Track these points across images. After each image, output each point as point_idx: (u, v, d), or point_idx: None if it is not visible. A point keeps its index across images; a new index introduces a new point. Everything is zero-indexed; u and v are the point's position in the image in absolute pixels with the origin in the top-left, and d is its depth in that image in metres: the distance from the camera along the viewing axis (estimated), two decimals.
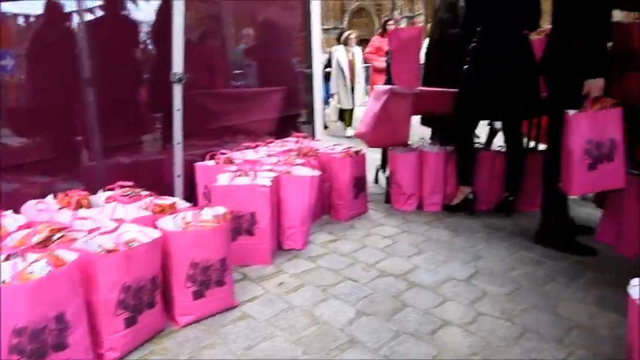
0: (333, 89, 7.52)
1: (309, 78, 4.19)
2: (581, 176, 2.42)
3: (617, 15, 3.36)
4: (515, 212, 3.29)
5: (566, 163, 2.47)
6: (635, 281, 1.46)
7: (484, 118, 3.27)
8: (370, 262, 2.51)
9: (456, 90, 3.19)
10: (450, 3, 3.93)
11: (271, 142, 3.42)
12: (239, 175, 2.54)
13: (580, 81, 2.45)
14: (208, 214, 2.02)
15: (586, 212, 3.32)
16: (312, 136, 3.99)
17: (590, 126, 2.41)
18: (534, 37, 3.39)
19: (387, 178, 3.56)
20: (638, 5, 2.84)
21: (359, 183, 3.19)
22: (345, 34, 7.90)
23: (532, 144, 3.73)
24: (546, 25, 3.01)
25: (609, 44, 2.64)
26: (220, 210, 2.06)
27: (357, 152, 3.21)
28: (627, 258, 2.57)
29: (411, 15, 22.34)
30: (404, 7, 23.34)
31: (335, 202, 3.15)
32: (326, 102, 8.21)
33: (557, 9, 2.58)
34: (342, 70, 7.23)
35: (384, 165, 3.87)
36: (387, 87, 3.45)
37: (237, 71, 4.24)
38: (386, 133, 3.39)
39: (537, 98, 2.97)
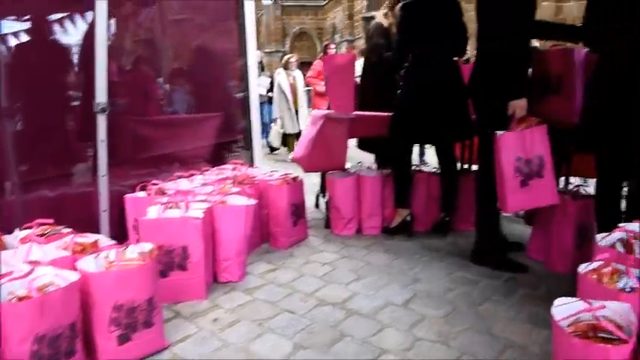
0: (276, 113, 7.47)
1: (245, 103, 4.15)
2: (515, 194, 2.51)
3: (534, 43, 3.56)
4: (452, 232, 3.37)
5: (500, 182, 2.55)
6: (558, 301, 1.49)
7: (418, 142, 3.34)
8: (309, 292, 2.46)
9: (391, 114, 3.25)
10: (384, 29, 4.03)
11: (207, 171, 3.33)
12: (170, 207, 2.45)
13: (505, 102, 2.55)
14: (133, 251, 1.92)
15: (519, 229, 3.44)
16: (251, 162, 3.93)
17: (518, 144, 2.51)
18: (472, 59, 3.52)
19: (327, 203, 3.55)
20: (554, 34, 3.01)
21: (297, 209, 3.15)
22: (285, 57, 7.92)
23: (465, 165, 3.86)
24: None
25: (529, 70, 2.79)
26: (146, 246, 1.96)
27: (294, 179, 3.19)
28: (557, 273, 2.67)
29: (352, 39, 22.86)
30: (344, 30, 23.89)
31: (273, 229, 3.10)
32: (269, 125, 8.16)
33: (480, 34, 2.69)
34: (284, 93, 7.23)
35: (323, 190, 3.87)
36: (323, 112, 3.47)
37: (172, 97, 4.14)
38: (322, 157, 3.39)
39: (468, 121, 3.08)
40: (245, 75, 4.16)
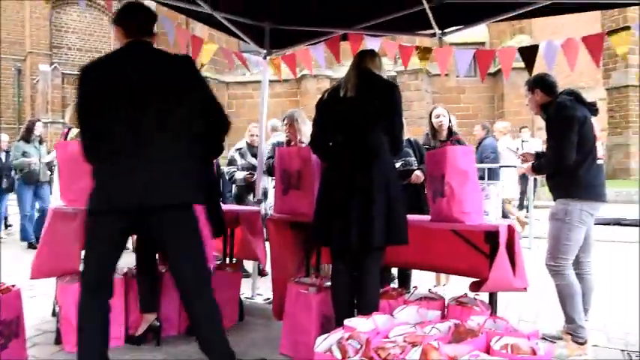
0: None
1: None
2: None
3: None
4: None
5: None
6: None
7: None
8: None
9: None
10: None
11: None
12: None
13: None
14: None
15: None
16: None
17: None
18: None
19: (57, 315, 2.99)
20: None
21: (8, 328, 2.54)
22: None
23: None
24: None
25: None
26: None
27: (5, 289, 2.60)
28: None
29: None
30: None
31: None
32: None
33: None
34: None
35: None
36: (54, 206, 3.00)
37: None
38: (52, 260, 2.88)
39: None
40: None
